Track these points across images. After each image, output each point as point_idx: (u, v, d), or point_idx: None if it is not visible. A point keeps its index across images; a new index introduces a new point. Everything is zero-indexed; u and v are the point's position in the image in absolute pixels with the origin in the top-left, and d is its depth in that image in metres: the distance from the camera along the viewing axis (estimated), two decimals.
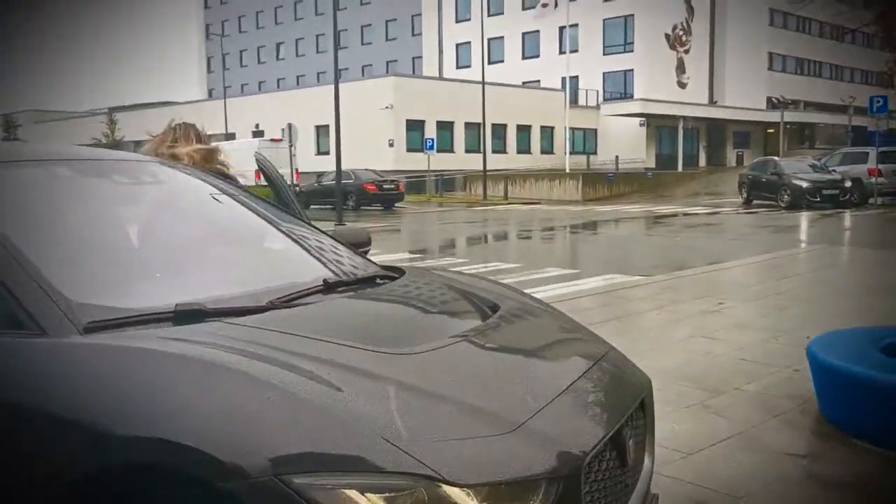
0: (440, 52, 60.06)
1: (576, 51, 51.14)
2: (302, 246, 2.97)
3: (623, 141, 48.28)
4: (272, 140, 29.21)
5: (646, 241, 17.40)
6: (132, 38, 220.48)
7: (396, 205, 30.55)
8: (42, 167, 2.42)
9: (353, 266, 2.89)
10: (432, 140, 36.02)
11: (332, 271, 2.71)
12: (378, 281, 2.75)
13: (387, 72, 55.73)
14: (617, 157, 44.58)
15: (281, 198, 3.78)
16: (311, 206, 29.28)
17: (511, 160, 45.36)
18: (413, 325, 2.32)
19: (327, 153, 42.98)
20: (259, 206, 3.12)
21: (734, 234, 18.29)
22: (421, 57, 62.98)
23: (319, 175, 31.83)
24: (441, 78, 51.23)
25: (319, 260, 2.87)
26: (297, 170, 32.64)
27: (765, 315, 7.63)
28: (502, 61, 56.06)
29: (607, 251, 16.23)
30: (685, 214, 24.89)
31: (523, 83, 51.59)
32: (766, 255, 12.79)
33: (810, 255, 12.88)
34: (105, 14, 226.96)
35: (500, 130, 46.71)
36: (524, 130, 47.88)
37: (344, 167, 32.61)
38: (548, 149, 47.73)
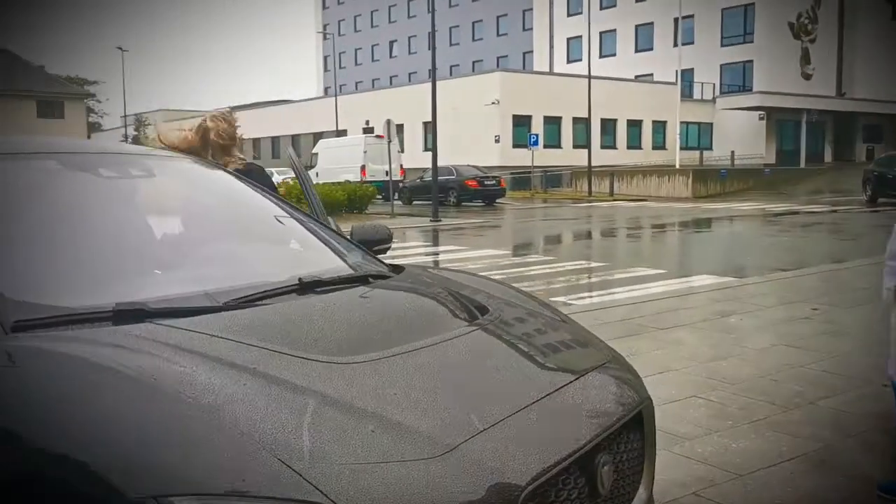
0: (551, 46, 59.33)
1: (691, 42, 49.41)
2: (297, 244, 2.88)
3: (740, 136, 46.29)
4: (377, 136, 29.53)
5: (747, 241, 16.49)
6: (255, 40, 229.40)
7: (498, 201, 30.31)
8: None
9: (350, 265, 2.78)
10: (536, 136, 35.61)
11: (320, 270, 2.59)
12: (370, 280, 2.62)
13: (497, 67, 55.57)
14: (732, 152, 42.77)
15: (306, 195, 3.70)
16: (414, 202, 29.55)
17: (621, 156, 44.33)
18: (372, 331, 2.16)
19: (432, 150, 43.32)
20: (263, 203, 3.04)
21: (849, 233, 17.12)
22: (531, 52, 62.44)
23: (424, 171, 32.02)
24: (549, 73, 50.62)
25: (310, 258, 2.77)
26: (401, 165, 33.07)
27: (862, 324, 7.02)
28: (614, 55, 54.85)
29: (703, 251, 15.50)
30: (799, 213, 23.56)
31: (636, 77, 50.26)
32: (878, 256, 11.83)
33: None
34: (229, 18, 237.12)
35: (609, 125, 45.71)
36: (635, 125, 46.66)
37: (449, 163, 32.86)
38: (659, 144, 46.36)
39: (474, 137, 40.68)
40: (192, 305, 2.05)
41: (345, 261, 2.84)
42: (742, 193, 33.33)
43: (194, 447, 1.48)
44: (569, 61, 56.44)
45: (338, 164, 32.23)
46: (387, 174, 31.49)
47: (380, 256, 3.45)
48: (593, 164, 35.03)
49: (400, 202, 30.75)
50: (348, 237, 3.17)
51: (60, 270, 2.12)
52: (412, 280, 2.73)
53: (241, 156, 4.20)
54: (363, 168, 31.06)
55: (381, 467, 1.52)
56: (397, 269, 2.85)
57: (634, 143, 46.73)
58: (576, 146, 42.07)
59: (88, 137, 68.66)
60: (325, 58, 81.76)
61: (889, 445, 4.07)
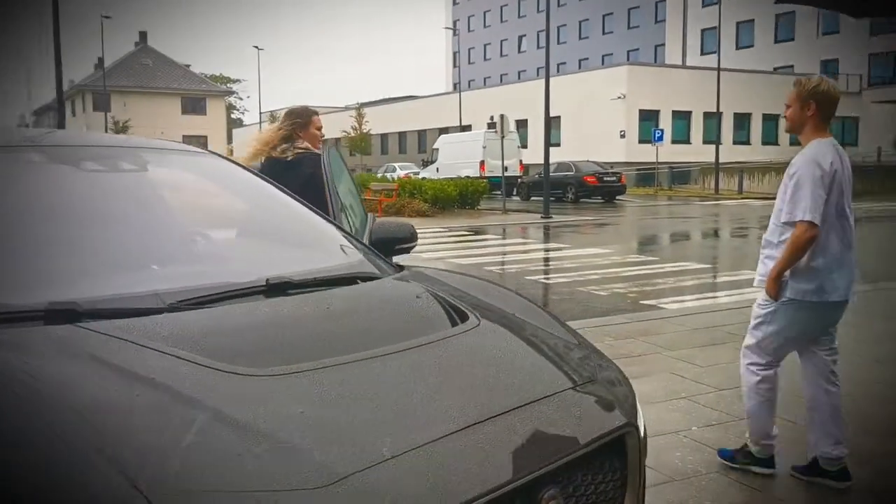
0: (684, 38, 57.19)
1: (835, 32, 46.37)
2: (295, 242, 2.80)
3: (891, 131, 43.03)
4: (496, 132, 29.39)
5: (875, 245, 15.19)
6: (385, 37, 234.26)
7: (618, 198, 29.48)
8: None
9: (344, 265, 2.67)
10: (661, 131, 34.35)
11: (305, 269, 2.50)
12: (357, 282, 2.51)
13: (627, 60, 54.15)
14: (879, 148, 39.81)
15: (327, 195, 3.62)
16: (532, 198, 29.23)
17: (754, 152, 42.19)
18: (316, 339, 2.03)
19: (558, 144, 42.74)
20: (265, 200, 2.98)
21: None
22: (663, 45, 60.45)
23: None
24: (680, 65, 48.77)
25: (301, 257, 2.69)
26: (521, 161, 32.82)
27: None
28: (752, 46, 52.23)
29: None
30: None
31: (774, 69, 47.69)
32: None
33: None
34: (360, 16, 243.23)
35: (743, 120, 43.62)
36: (771, 120, 44.27)
37: (572, 158, 32.34)
38: (796, 140, 43.73)
39: (600, 133, 39.82)
40: (131, 307, 2.00)
41: (340, 260, 2.74)
42: (889, 193, 30.90)
43: (51, 469, 1.40)
44: (702, 53, 54.19)
45: (457, 159, 32.36)
46: (506, 169, 31.44)
47: (402, 256, 3.36)
48: (725, 160, 33.45)
49: (518, 198, 30.55)
50: (356, 236, 3.08)
51: (9, 266, 2.12)
52: (404, 283, 2.59)
53: (301, 146, 4.24)
54: (482, 163, 31.02)
55: (252, 497, 1.40)
56: (399, 268, 2.74)
57: (770, 138, 44.35)
58: (706, 142, 40.37)
59: (228, 133, 72.23)
60: (454, 54, 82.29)
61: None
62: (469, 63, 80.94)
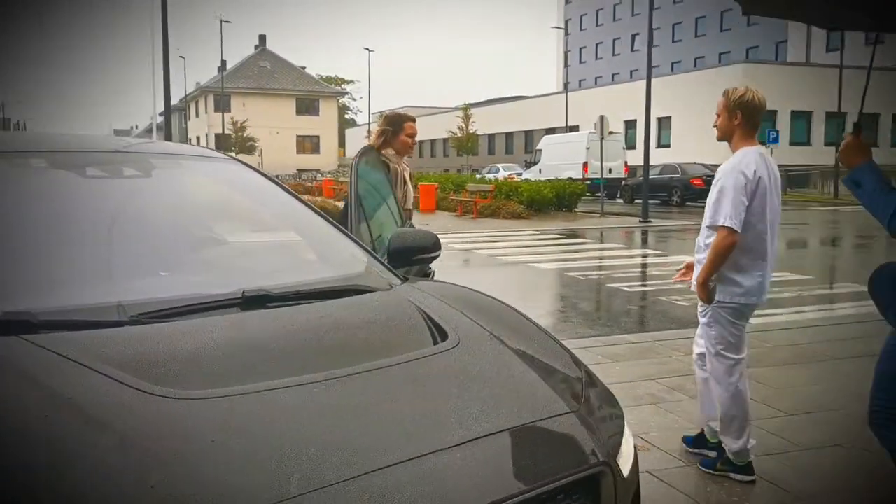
0: (808, 33, 54.41)
1: None
2: (296, 251, 2.75)
3: None
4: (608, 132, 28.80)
5: None
6: (495, 37, 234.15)
7: None
8: None
9: (342, 276, 2.60)
10: (776, 132, 32.74)
11: (297, 281, 2.43)
12: (348, 295, 2.43)
13: (746, 58, 52.00)
14: None
15: (348, 203, 3.56)
16: (636, 200, 28.47)
17: (884, 155, 39.58)
18: (271, 357, 1.95)
19: (667, 146, 41.50)
20: (273, 207, 2.94)
21: None
22: (785, 41, 57.69)
23: (650, 168, 30.75)
24: (802, 63, 46.39)
25: (298, 268, 2.63)
26: (626, 163, 32.05)
27: None
28: (882, 42, 49.06)
29: None
30: None
31: None
32: None
33: None
34: (470, 16, 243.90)
35: (870, 121, 41.04)
36: None
37: (683, 160, 31.30)
38: None
39: (713, 134, 38.21)
40: (89, 318, 1.99)
41: (338, 272, 2.67)
42: None
43: None
44: (828, 50, 51.30)
45: (560, 160, 31.92)
46: (610, 171, 30.75)
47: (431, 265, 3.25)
48: None
49: (621, 201, 29.84)
50: (375, 246, 3.00)
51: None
52: (393, 298, 2.49)
53: (387, 154, 4.28)
54: (585, 165, 30.48)
55: None
56: (404, 281, 2.65)
57: None
58: (827, 143, 38.27)
59: (341, 133, 73.94)
60: (566, 53, 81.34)
61: None
62: (580, 62, 79.82)
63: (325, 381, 1.85)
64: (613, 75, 73.14)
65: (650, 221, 19.80)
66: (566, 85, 64.15)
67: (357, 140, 72.09)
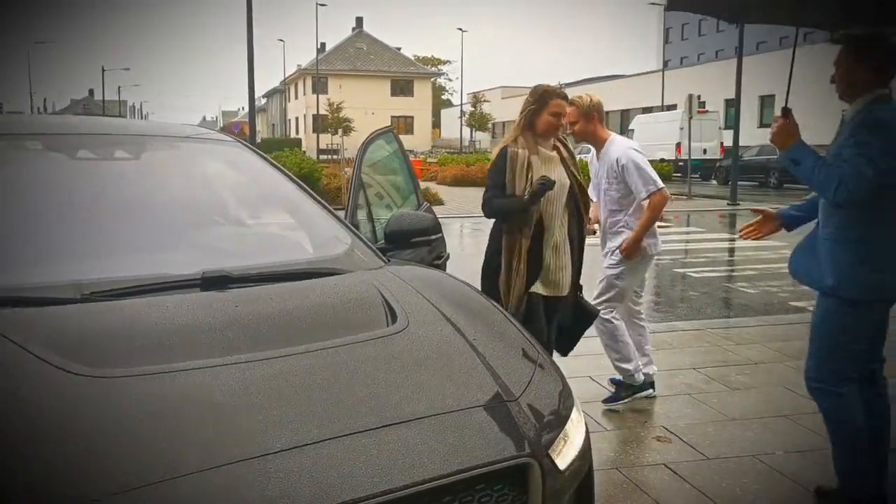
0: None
1: None
2: (275, 232, 2.77)
3: None
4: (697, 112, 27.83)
5: None
6: (591, 14, 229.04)
7: None
8: None
9: (311, 259, 2.62)
10: None
11: (264, 262, 2.46)
12: (316, 276, 2.44)
13: None
14: None
15: (351, 187, 3.55)
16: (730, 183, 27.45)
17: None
18: (211, 337, 1.96)
19: (770, 126, 39.63)
20: (259, 188, 2.97)
21: None
22: None
23: (748, 149, 29.57)
24: None
25: (271, 248, 2.66)
26: (721, 143, 30.90)
27: None
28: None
29: None
30: None
31: None
32: None
33: None
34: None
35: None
36: None
37: None
38: None
39: (822, 114, 36.41)
40: (38, 296, 2.06)
41: (312, 255, 2.69)
42: None
43: None
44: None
45: (653, 140, 31.02)
46: (704, 152, 29.72)
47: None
48: None
49: (715, 182, 28.84)
50: (353, 228, 3.00)
51: None
52: (358, 281, 2.48)
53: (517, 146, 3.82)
54: (678, 145, 29.57)
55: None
56: (383, 261, 2.68)
57: None
58: None
59: (436, 113, 74.18)
60: (668, 30, 78.92)
61: None
62: (682, 39, 77.38)
63: (250, 361, 1.88)
64: (717, 52, 70.51)
65: (738, 205, 19.05)
66: (665, 63, 62.29)
67: (452, 120, 72.21)
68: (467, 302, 2.46)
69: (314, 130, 56.53)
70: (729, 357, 5.42)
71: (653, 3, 56.42)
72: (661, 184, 4.23)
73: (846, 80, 2.96)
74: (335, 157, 39.29)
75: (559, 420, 2.04)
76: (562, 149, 3.89)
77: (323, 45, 65.42)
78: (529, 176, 3.68)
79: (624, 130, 40.47)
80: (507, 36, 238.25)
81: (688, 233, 14.47)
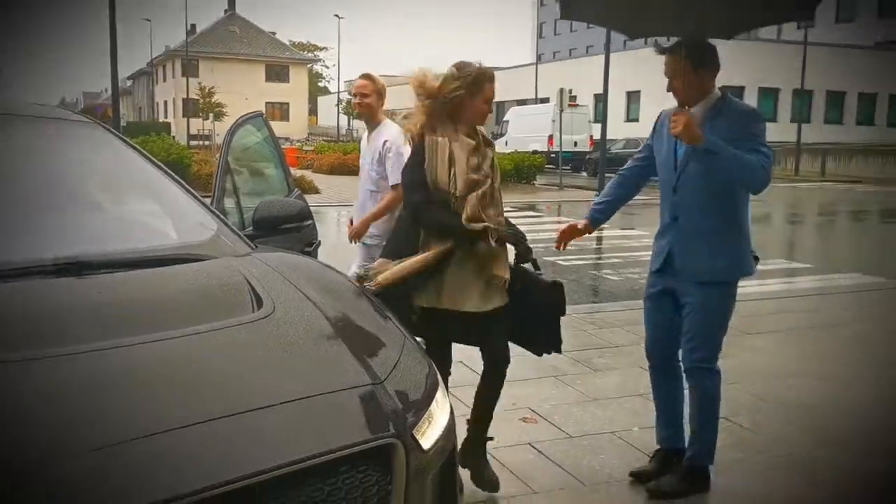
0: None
1: None
2: (128, 219, 2.68)
3: None
4: (568, 105, 28.70)
5: None
6: (469, 5, 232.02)
7: None
8: None
9: (175, 245, 2.55)
10: None
11: (119, 249, 2.37)
12: (177, 262, 2.37)
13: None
14: None
15: (216, 174, 3.48)
16: (598, 175, 28.52)
17: (849, 133, 40.01)
18: (50, 326, 1.89)
19: (636, 120, 41.46)
20: (121, 172, 2.86)
21: None
22: None
23: (616, 142, 30.78)
24: (772, 39, 46.50)
25: (126, 234, 2.56)
26: (591, 136, 32.03)
27: None
28: (852, 20, 49.29)
29: (873, 244, 13.33)
30: None
31: (876, 43, 44.90)
32: None
33: None
34: None
35: (837, 99, 41.36)
36: (867, 99, 41.87)
37: (643, 135, 31.14)
38: None
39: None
40: None
41: (174, 241, 2.62)
42: None
43: None
44: (799, 26, 51.53)
45: (526, 132, 31.85)
46: (575, 144, 30.75)
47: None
48: (815, 140, 31.69)
49: (585, 174, 29.88)
50: (218, 213, 2.93)
51: None
52: (223, 267, 2.43)
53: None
54: (550, 138, 30.43)
55: None
56: (249, 247, 2.63)
57: (866, 118, 41.97)
58: (794, 121, 38.49)
59: (312, 101, 73.04)
60: (541, 24, 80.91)
61: None
62: (555, 34, 79.42)
63: (108, 349, 1.81)
64: (588, 47, 72.91)
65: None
66: (539, 56, 63.82)
67: (329, 108, 71.32)
68: (334, 287, 2.47)
69: (185, 115, 54.47)
70: (593, 341, 5.67)
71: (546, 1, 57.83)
72: None
73: (693, 86, 3.12)
74: (207, 142, 38.04)
75: (424, 401, 2.08)
76: (480, 137, 3.21)
77: (193, 26, 62.99)
78: (453, 171, 3.05)
79: (499, 122, 41.32)
80: (386, 24, 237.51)
81: (559, 222, 14.93)
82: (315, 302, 2.27)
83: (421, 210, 3.09)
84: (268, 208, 3.12)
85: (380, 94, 4.41)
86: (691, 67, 3.10)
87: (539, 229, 13.26)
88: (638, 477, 3.45)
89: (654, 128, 3.43)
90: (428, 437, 2.01)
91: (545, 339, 3.31)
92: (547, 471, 3.54)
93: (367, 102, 4.40)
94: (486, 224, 3.02)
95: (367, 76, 4.47)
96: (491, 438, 3.33)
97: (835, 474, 3.56)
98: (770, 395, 4.58)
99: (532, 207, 17.57)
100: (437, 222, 3.08)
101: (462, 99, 3.08)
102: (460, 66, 3.11)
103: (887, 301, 7.37)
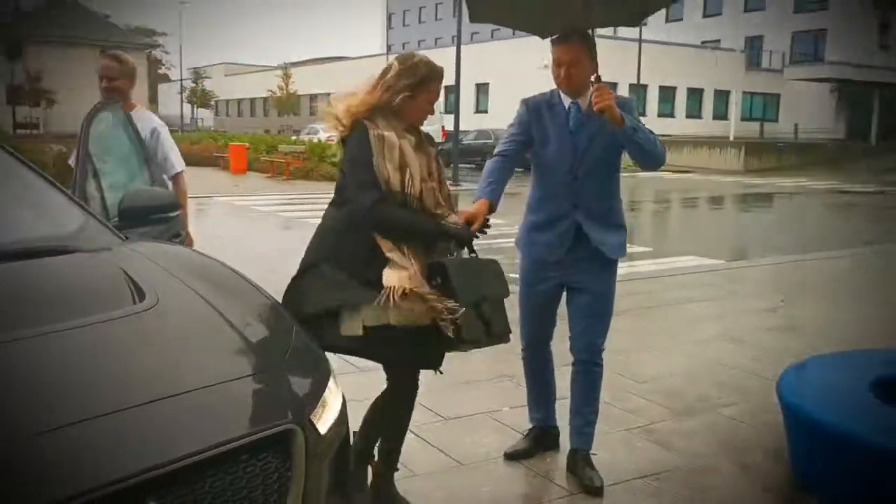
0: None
1: (761, 9, 47.09)
2: None
3: (809, 108, 44.01)
4: None
5: (761, 220, 15.45)
6: None
7: None
8: None
9: (40, 236, 2.41)
10: (576, 103, 34.40)
11: None
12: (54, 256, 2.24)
13: None
14: (796, 125, 40.78)
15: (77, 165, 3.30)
16: (451, 165, 29.04)
17: (680, 125, 42.74)
18: None
19: (485, 112, 42.47)
20: None
21: (881, 216, 15.95)
22: None
23: (466, 133, 31.42)
24: (609, 36, 48.90)
25: None
26: (443, 127, 32.50)
27: (827, 318, 6.36)
28: (681, 19, 52.63)
29: (705, 229, 14.50)
30: (840, 191, 22.21)
31: (702, 42, 48.19)
32: (885, 245, 10.96)
33: None
34: None
35: (668, 93, 44.09)
36: (695, 94, 44.91)
37: (493, 126, 32.14)
38: (721, 114, 44.39)
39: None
40: None
41: (45, 232, 2.48)
42: (799, 169, 31.68)
43: None
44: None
45: None
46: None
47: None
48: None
49: None
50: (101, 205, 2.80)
51: None
52: (97, 260, 2.33)
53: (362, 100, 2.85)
54: (443, 129, 30.71)
55: None
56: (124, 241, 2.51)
57: (694, 112, 45.02)
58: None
59: (153, 89, 69.69)
60: (391, 15, 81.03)
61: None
62: (404, 25, 79.77)
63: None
64: (437, 39, 73.73)
65: (460, 185, 20.26)
66: (389, 47, 63.97)
67: (171, 96, 68.28)
68: (217, 277, 2.42)
69: (8, 102, 50.44)
70: None
71: None
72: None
73: (588, 73, 3.17)
74: (36, 131, 35.47)
75: (318, 388, 2.10)
76: (421, 135, 2.94)
77: (17, 6, 58.32)
78: (408, 173, 2.73)
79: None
80: (230, 12, 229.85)
81: None
82: (199, 292, 2.23)
83: (373, 208, 2.67)
84: (135, 198, 3.00)
85: (131, 77, 3.88)
86: (587, 55, 3.17)
87: None
88: (513, 457, 3.58)
89: (527, 115, 3.32)
90: (324, 421, 2.04)
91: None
92: (426, 453, 3.63)
93: (116, 86, 3.80)
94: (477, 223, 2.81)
95: (112, 56, 3.85)
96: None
97: (686, 440, 3.87)
98: (625, 370, 4.88)
99: None
100: (398, 219, 2.72)
101: (407, 97, 2.77)
102: (405, 61, 2.81)
103: (727, 280, 8.01)
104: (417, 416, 3.99)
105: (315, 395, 2.06)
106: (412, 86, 2.76)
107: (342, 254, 2.71)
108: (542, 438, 3.65)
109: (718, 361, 5.14)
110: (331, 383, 2.18)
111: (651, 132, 3.19)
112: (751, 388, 4.64)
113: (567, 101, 3.28)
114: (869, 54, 43.84)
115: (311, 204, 15.51)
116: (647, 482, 3.39)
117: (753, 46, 47.59)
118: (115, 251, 2.42)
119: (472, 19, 3.40)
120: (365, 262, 2.68)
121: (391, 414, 2.99)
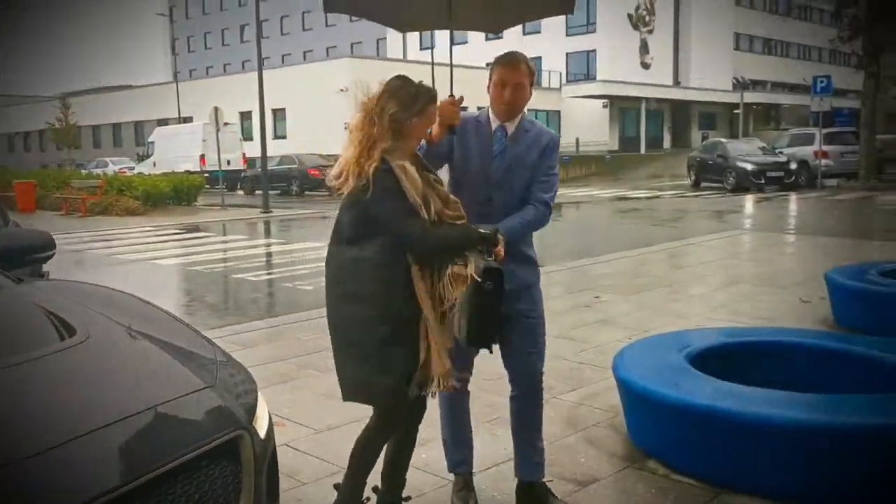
0: (404, 33, 59.08)
1: (538, 31, 50.48)
2: None
3: (586, 123, 47.76)
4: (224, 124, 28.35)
5: (560, 228, 16.75)
6: (98, 19, 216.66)
7: None
8: None
9: None
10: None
11: None
12: None
13: (351, 53, 54.80)
14: (577, 139, 44.09)
15: None
16: (257, 192, 28.64)
17: None
18: None
19: (284, 137, 42.18)
20: None
21: (661, 218, 17.83)
22: (385, 38, 62.01)
23: (268, 160, 31.04)
24: (403, 59, 50.39)
25: None
26: (244, 154, 32.02)
27: (639, 311, 7.20)
28: (466, 42, 55.16)
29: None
30: (624, 198, 24.45)
31: (487, 65, 50.59)
32: (676, 242, 12.40)
33: (722, 242, 12.46)
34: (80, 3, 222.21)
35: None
36: None
37: (296, 151, 32.04)
38: None
39: (326, 126, 39.87)
40: None
41: None
42: (582, 179, 34.42)
43: None
44: (422, 48, 56.35)
45: (176, 153, 30.85)
46: (228, 163, 30.43)
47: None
48: None
49: (242, 192, 29.78)
50: None
51: None
52: (14, 295, 2.38)
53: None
54: (202, 157, 29.82)
55: None
56: (20, 281, 2.52)
57: None
58: None
59: None
60: (174, 41, 78.07)
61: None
62: (189, 51, 77.23)
63: None
64: (225, 66, 72.02)
65: (272, 212, 20.16)
66: (176, 74, 61.67)
67: None
68: (132, 308, 2.55)
69: None
70: (310, 346, 6.00)
71: (159, 14, 55.46)
72: None
73: (526, 97, 3.14)
74: None
75: (252, 398, 2.31)
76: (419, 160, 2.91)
77: None
78: (429, 197, 2.78)
79: (141, 143, 39.23)
80: (6, 36, 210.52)
81: (228, 241, 14.92)
82: (122, 323, 2.36)
83: (423, 234, 2.71)
84: (10, 238, 3.01)
85: None
86: (529, 81, 3.14)
87: (209, 249, 13.19)
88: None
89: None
90: (261, 427, 2.26)
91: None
92: (308, 464, 3.83)
93: None
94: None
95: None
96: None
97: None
98: (478, 371, 5.32)
99: (197, 228, 17.22)
100: (443, 236, 2.77)
101: (403, 121, 2.74)
102: (396, 82, 2.81)
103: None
104: (292, 433, 4.17)
105: (251, 404, 2.27)
106: (408, 110, 2.75)
107: (378, 290, 2.79)
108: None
109: (559, 357, 5.69)
110: (259, 395, 2.40)
111: (551, 182, 3.17)
112: (582, 376, 5.22)
113: (495, 122, 3.19)
114: (633, 72, 48.44)
115: (120, 239, 14.87)
116: (510, 466, 3.80)
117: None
118: (20, 289, 2.47)
119: (327, 9, 3.31)
120: (404, 300, 2.79)
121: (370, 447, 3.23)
